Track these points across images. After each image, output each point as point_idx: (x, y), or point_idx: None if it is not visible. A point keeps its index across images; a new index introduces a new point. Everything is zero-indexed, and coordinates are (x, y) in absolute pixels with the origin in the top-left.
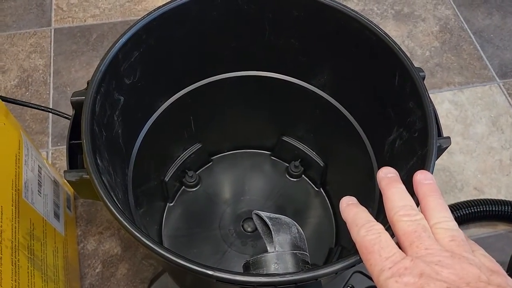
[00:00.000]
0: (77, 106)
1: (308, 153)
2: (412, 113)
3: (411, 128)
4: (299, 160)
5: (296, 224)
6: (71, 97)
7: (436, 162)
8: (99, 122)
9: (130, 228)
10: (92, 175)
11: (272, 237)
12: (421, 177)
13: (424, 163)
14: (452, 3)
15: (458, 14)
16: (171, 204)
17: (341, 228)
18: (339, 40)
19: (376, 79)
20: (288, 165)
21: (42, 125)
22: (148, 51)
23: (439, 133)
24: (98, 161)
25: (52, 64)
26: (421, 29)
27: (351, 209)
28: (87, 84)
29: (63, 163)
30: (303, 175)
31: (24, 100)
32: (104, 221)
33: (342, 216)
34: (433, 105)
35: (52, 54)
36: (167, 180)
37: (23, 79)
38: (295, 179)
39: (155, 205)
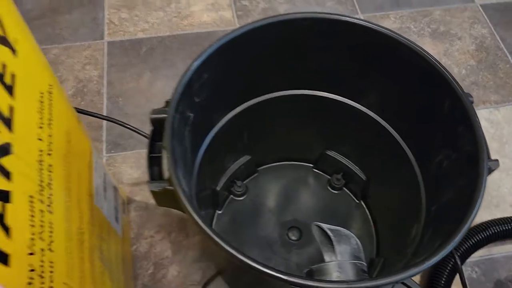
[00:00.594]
0: (156, 122)
1: (351, 167)
2: (461, 137)
3: (460, 150)
4: (341, 173)
5: (354, 236)
6: (151, 114)
7: None
8: (176, 137)
9: (214, 236)
10: (176, 187)
11: (331, 247)
12: None
13: (476, 185)
14: (488, 22)
15: (495, 33)
16: (220, 212)
17: (381, 239)
18: (391, 65)
19: (425, 102)
20: (330, 177)
21: (97, 133)
22: (216, 72)
23: (488, 156)
24: (179, 173)
25: (105, 75)
26: (457, 48)
27: None
28: (166, 103)
29: (117, 169)
30: (344, 188)
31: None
32: (156, 225)
33: None
34: (481, 130)
35: (105, 65)
36: (218, 189)
37: (79, 89)
38: (336, 191)
39: (207, 212)
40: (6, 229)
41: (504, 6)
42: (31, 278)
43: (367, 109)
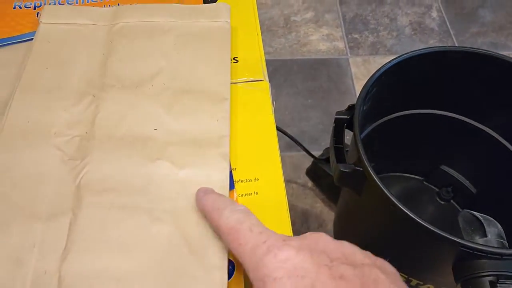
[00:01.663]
0: (338, 121)
1: (461, 181)
2: None
3: None
4: (451, 187)
5: (499, 224)
6: (335, 115)
7: None
8: (357, 135)
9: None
10: (367, 166)
11: (482, 229)
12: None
13: None
14: None
15: None
16: None
17: None
18: None
19: None
20: (439, 189)
21: None
22: (378, 88)
23: None
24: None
25: None
26: None
27: (210, 196)
28: (348, 106)
29: None
30: (451, 200)
31: None
32: None
33: (198, 207)
34: None
35: None
36: None
37: None
38: (443, 202)
39: None
40: None
41: None
42: None
43: (491, 130)
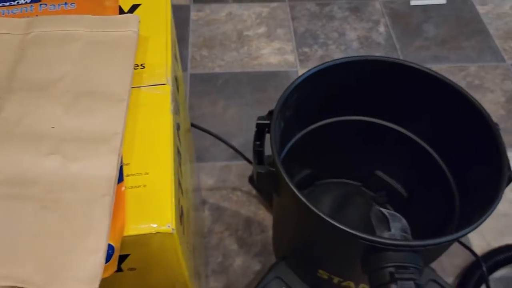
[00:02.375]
0: (259, 126)
1: (394, 186)
2: (490, 153)
3: (488, 163)
4: (385, 190)
5: (404, 219)
6: (257, 120)
7: (499, 208)
8: (273, 139)
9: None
10: (278, 166)
11: (387, 225)
12: None
13: (498, 187)
14: None
15: None
16: None
17: None
18: (437, 99)
19: (463, 129)
20: (374, 194)
21: None
22: (301, 95)
23: (509, 168)
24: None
25: (188, 100)
26: (489, 99)
27: None
28: (268, 112)
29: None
30: (386, 204)
31: None
32: (225, 223)
33: None
34: (505, 147)
35: (188, 93)
36: None
37: None
38: (379, 206)
39: None
40: (181, 175)
41: None
42: (186, 215)
43: (415, 135)
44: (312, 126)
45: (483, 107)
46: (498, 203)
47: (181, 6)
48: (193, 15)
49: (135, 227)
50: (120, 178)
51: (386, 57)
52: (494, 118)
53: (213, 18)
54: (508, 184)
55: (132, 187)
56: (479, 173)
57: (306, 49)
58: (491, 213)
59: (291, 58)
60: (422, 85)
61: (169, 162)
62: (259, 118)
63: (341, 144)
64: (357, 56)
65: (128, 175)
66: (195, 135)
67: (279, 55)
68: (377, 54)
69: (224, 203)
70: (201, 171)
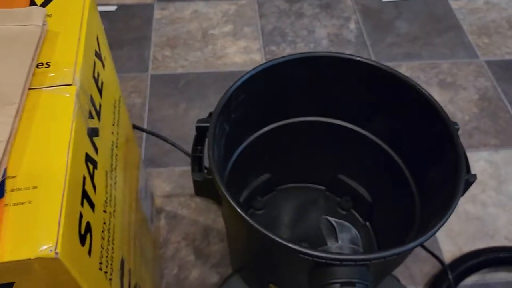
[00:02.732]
0: (199, 130)
1: (358, 190)
2: (448, 154)
3: (447, 164)
4: (349, 196)
5: (355, 229)
6: (196, 123)
7: (471, 211)
8: (216, 142)
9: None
10: (215, 174)
11: (335, 235)
12: None
13: (455, 191)
14: (491, 76)
15: (497, 86)
16: None
17: None
18: (395, 98)
19: (422, 129)
20: (339, 199)
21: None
22: (250, 94)
23: (468, 171)
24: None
25: (147, 103)
26: (462, 97)
27: None
28: (210, 114)
29: (151, 182)
30: (351, 209)
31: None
32: (182, 233)
33: None
34: (463, 149)
35: (148, 95)
36: (241, 201)
37: None
38: (345, 212)
39: None
40: (94, 187)
41: (507, 63)
42: (103, 231)
43: (373, 135)
44: (266, 128)
45: (439, 105)
46: (454, 209)
47: (145, 4)
48: (157, 13)
49: (12, 251)
50: (1, 194)
51: (337, 52)
52: (467, 117)
53: (178, 17)
54: (467, 187)
55: (15, 204)
56: (437, 175)
57: (273, 48)
58: (446, 221)
59: (257, 57)
60: (376, 81)
61: (62, 173)
62: (199, 120)
63: (299, 147)
64: (305, 53)
65: (12, 190)
66: (152, 139)
67: (245, 54)
68: (347, 51)
69: (182, 210)
70: (158, 177)
